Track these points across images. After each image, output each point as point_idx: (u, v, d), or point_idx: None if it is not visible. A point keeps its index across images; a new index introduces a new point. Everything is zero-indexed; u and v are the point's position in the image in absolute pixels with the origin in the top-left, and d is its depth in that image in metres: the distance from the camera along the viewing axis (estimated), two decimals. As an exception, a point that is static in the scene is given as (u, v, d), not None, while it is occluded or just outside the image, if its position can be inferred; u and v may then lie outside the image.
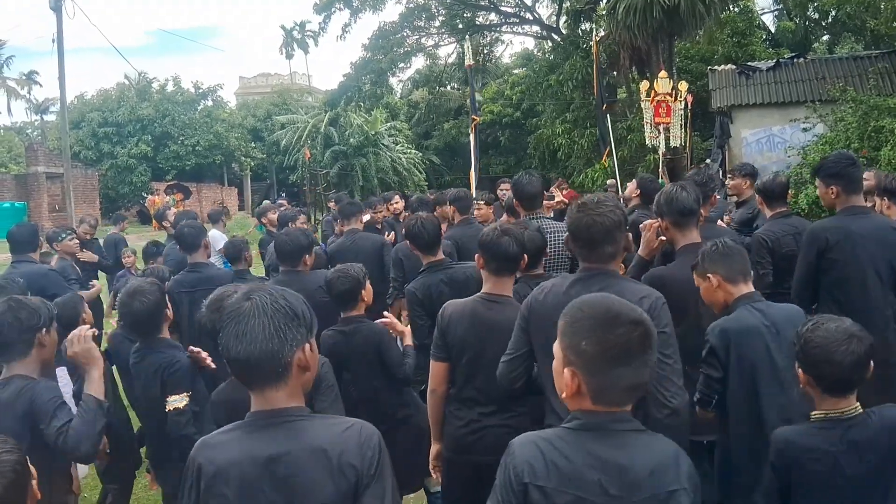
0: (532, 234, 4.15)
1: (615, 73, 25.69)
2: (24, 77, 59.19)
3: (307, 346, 2.08)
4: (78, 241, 8.14)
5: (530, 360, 3.21)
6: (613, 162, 16.84)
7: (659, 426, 2.71)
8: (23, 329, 3.20)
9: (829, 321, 2.77)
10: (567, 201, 16.55)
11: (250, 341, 1.99)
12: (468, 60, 15.55)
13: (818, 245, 4.45)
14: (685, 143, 18.60)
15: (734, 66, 21.48)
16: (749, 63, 21.85)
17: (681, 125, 15.12)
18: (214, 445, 2.08)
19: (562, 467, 1.94)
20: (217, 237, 9.25)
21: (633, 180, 7.46)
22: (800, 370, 2.80)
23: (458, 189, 7.62)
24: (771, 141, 19.63)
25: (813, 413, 2.80)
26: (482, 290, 3.70)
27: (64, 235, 7.73)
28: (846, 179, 4.45)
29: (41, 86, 69.45)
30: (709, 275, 3.47)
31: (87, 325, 3.59)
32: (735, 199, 7.15)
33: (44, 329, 3.28)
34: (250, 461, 2.00)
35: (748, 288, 3.45)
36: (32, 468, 2.43)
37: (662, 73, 15.56)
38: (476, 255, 3.72)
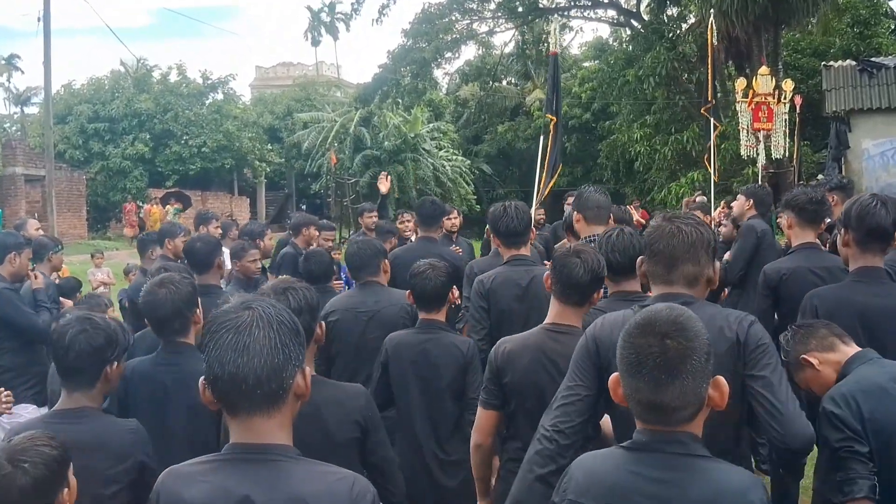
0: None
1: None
2: (2, 62, 60.76)
3: (307, 369, 2.15)
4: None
5: None
6: (711, 174, 16.69)
7: None
8: (93, 359, 3.34)
9: None
10: (644, 221, 16.48)
11: (253, 355, 2.02)
12: (552, 46, 15.41)
13: None
14: (792, 154, 18.42)
15: (854, 63, 21.25)
16: (873, 59, 21.60)
17: (785, 133, 14.97)
18: (183, 477, 2.13)
19: (606, 485, 2.19)
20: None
21: (740, 195, 7.89)
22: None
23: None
24: (899, 154, 19.36)
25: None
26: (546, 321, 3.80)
27: (57, 249, 7.69)
28: None
29: (23, 72, 71.35)
30: None
31: None
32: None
33: (115, 363, 3.43)
34: (220, 502, 2.03)
35: None
36: (73, 478, 2.70)
37: (763, 70, 15.45)
38: (545, 275, 3.87)
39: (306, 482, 2.06)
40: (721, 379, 2.20)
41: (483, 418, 3.79)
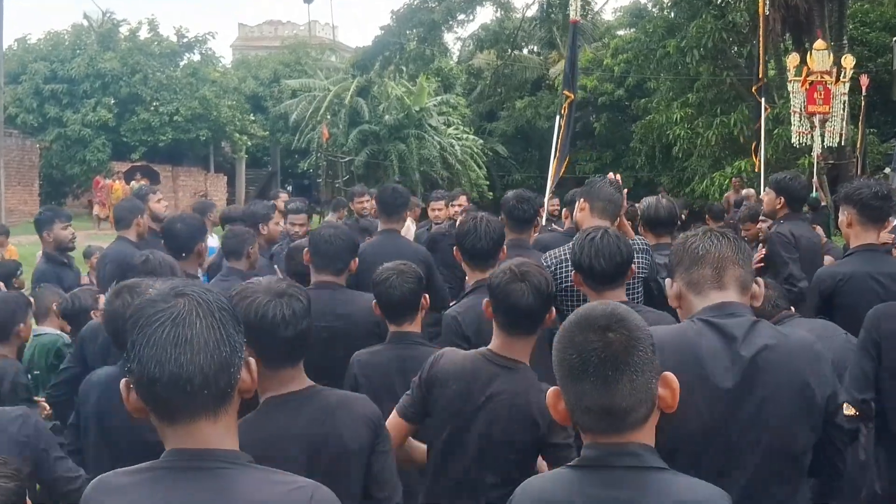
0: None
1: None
2: (-51, 11, 60.82)
3: (251, 360, 2.14)
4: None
5: None
6: (760, 164, 16.64)
7: None
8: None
9: None
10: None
11: (198, 349, 1.98)
12: (573, 14, 15.45)
13: None
14: (855, 142, 18.37)
15: (931, 39, 21.19)
16: (952, 35, 21.54)
17: (844, 117, 14.92)
18: (113, 489, 2.09)
19: None
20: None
21: (768, 188, 7.51)
22: None
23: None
24: (978, 146, 19.31)
25: None
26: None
27: None
28: None
29: (-28, 24, 71.08)
30: None
31: None
32: None
33: (21, 324, 3.68)
34: None
35: None
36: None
37: (819, 44, 15.39)
38: (485, 301, 3.94)
39: (259, 492, 2.04)
40: (671, 375, 2.27)
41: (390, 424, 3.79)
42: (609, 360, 2.15)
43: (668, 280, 3.30)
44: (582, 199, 5.48)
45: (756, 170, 16.58)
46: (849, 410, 3.86)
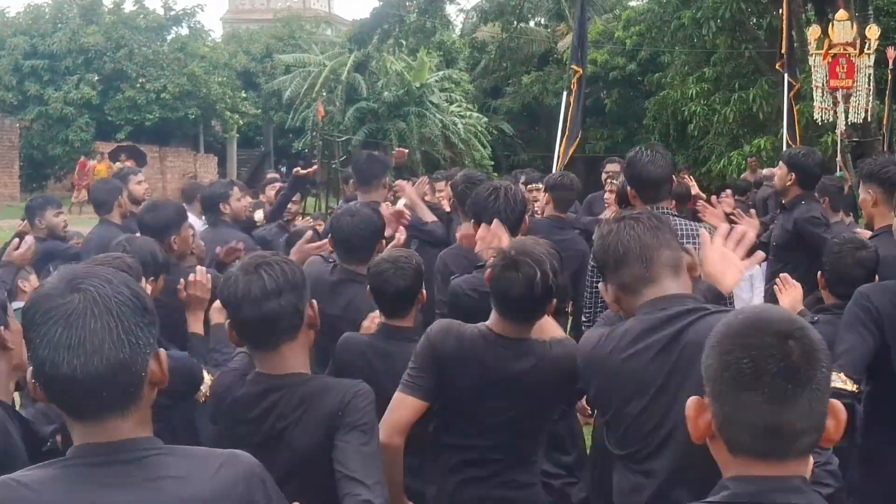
0: None
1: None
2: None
3: (161, 352, 2.11)
4: None
5: None
6: (783, 142, 16.54)
7: None
8: None
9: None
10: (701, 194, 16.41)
11: (92, 351, 1.95)
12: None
13: None
14: (882, 118, 18.25)
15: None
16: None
17: (869, 91, 14.82)
18: (23, 490, 2.00)
19: None
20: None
21: (780, 162, 7.30)
22: None
23: (563, 174, 7.62)
24: None
25: None
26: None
27: None
28: None
29: (-53, -3, 70.99)
30: None
31: None
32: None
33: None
34: None
35: None
36: None
37: (841, 14, 15.26)
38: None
39: (190, 474, 2.06)
40: (839, 405, 2.01)
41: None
42: (791, 370, 1.91)
43: (600, 285, 3.33)
44: (629, 188, 5.38)
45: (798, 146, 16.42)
46: (847, 384, 3.82)
